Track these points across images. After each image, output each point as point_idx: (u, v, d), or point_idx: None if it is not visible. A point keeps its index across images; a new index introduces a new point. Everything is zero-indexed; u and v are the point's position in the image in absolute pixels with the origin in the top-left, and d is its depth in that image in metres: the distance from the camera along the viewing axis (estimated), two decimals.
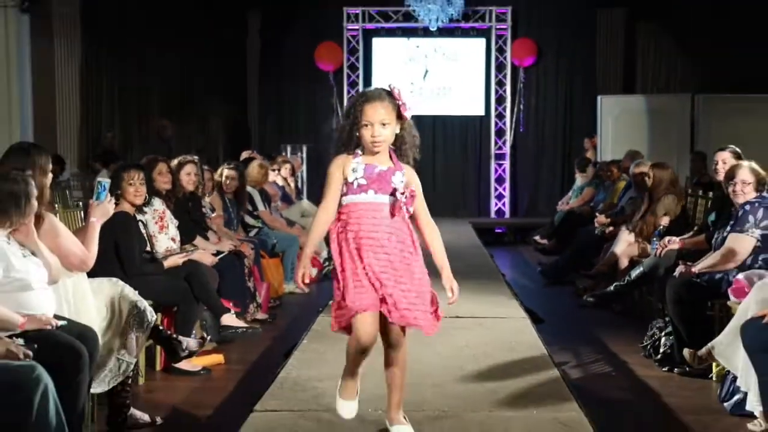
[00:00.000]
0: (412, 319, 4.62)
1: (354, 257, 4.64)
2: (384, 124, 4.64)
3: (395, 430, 4.79)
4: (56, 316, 5.07)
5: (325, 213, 4.79)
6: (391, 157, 4.79)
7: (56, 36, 17.72)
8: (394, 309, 4.56)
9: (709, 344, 6.40)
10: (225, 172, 10.08)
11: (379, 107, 4.63)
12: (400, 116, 4.75)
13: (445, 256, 4.89)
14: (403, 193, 4.61)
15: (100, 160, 14.49)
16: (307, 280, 4.93)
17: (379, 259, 4.62)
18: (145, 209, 7.55)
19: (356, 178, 4.66)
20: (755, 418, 5.62)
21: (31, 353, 4.48)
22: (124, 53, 17.94)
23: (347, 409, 4.86)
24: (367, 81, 17.97)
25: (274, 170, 12.69)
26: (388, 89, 4.76)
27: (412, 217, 4.82)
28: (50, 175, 5.64)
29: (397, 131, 4.76)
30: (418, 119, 15.19)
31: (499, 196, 18.57)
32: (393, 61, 18.60)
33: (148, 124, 17.79)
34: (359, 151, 4.74)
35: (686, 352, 6.92)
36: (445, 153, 18.61)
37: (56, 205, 6.93)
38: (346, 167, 4.70)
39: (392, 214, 4.66)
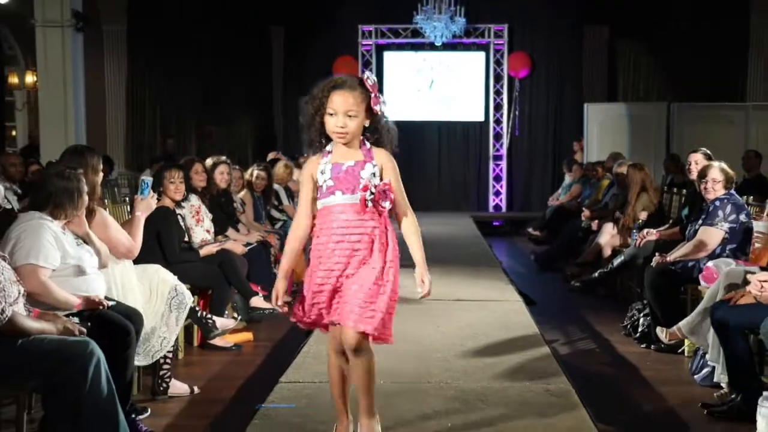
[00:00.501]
0: (351, 322, 4.00)
1: (320, 270, 4.13)
2: (350, 116, 4.01)
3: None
4: (106, 298, 5.13)
5: (296, 228, 4.32)
6: (362, 146, 4.15)
7: (105, 52, 17.93)
8: (341, 313, 4.06)
9: (680, 323, 6.43)
10: (255, 172, 10.11)
11: (348, 96, 4.00)
12: (370, 109, 4.09)
13: (420, 248, 4.21)
14: (368, 189, 4.00)
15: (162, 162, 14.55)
16: (280, 302, 4.28)
17: (334, 267, 4.08)
18: (183, 204, 7.58)
19: (324, 180, 4.11)
20: (722, 388, 5.66)
21: (85, 330, 4.52)
22: (165, 67, 18.12)
23: None
24: (380, 90, 17.82)
25: (297, 169, 12.70)
26: (361, 78, 4.12)
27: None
28: (101, 174, 5.70)
29: (366, 124, 4.12)
30: (423, 124, 15.31)
31: (497, 193, 18.55)
32: (402, 72, 18.49)
33: (187, 129, 17.86)
34: (329, 148, 4.16)
35: (661, 331, 6.97)
36: (448, 154, 18.55)
37: (106, 201, 6.96)
38: (315, 171, 4.16)
39: (362, 211, 4.04)
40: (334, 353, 4.22)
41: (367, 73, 4.17)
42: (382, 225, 4.10)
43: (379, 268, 4.06)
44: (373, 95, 4.05)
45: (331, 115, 4.02)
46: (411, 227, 4.20)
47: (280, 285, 4.30)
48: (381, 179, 4.07)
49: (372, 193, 3.97)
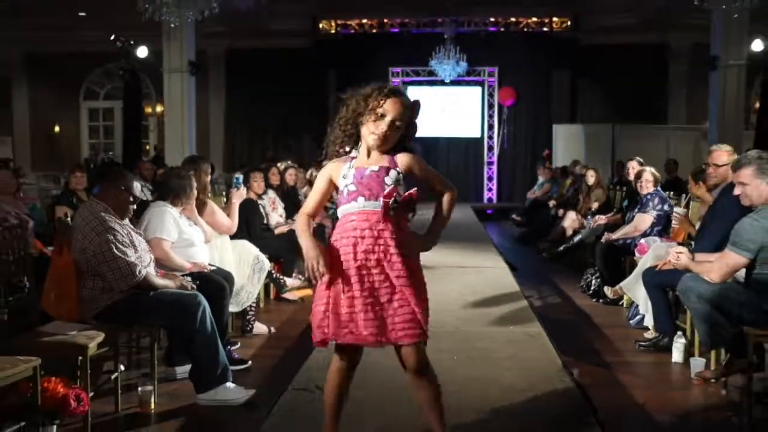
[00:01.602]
0: (402, 337, 2.94)
1: (343, 279, 2.97)
2: (396, 125, 2.99)
3: None
4: (210, 264, 5.18)
5: (301, 218, 3.20)
6: (386, 153, 3.06)
7: (210, 90, 18.04)
8: (385, 333, 2.94)
9: (621, 283, 6.40)
10: (313, 172, 10.13)
11: (402, 105, 2.99)
12: (409, 125, 3.07)
13: (440, 221, 3.16)
14: (392, 197, 2.94)
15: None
16: (323, 269, 2.95)
17: (367, 279, 2.94)
18: (263, 197, 7.63)
19: (346, 185, 3.02)
20: (649, 330, 5.65)
21: (194, 286, 4.55)
22: (251, 100, 18.31)
23: None
24: None
25: None
26: (413, 100, 3.11)
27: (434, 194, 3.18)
28: (210, 176, 5.76)
29: (403, 135, 3.06)
30: (436, 139, 15.17)
31: (489, 189, 18.46)
32: (421, 102, 18.21)
33: (267, 143, 18.02)
34: (354, 153, 3.11)
35: (607, 289, 6.96)
36: (455, 160, 18.43)
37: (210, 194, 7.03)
38: (336, 175, 3.09)
39: (384, 219, 2.94)
40: (339, 371, 3.10)
41: (419, 99, 3.16)
42: (402, 232, 3.00)
43: (407, 277, 2.96)
44: (416, 111, 3.09)
45: (380, 117, 2.98)
46: (448, 199, 3.17)
47: (317, 255, 2.99)
48: (404, 186, 3.04)
49: (396, 201, 2.95)
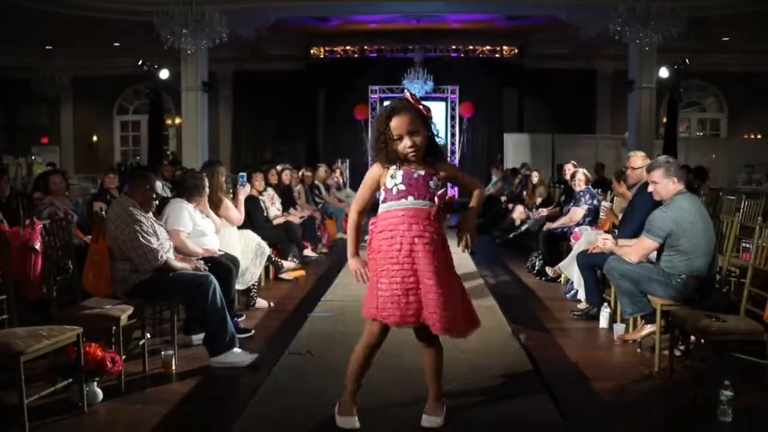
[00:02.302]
0: (438, 324, 2.82)
1: (393, 264, 2.85)
2: (414, 132, 2.83)
3: (423, 420, 3.04)
4: (219, 250, 5.14)
5: (353, 216, 3.06)
6: (425, 160, 2.93)
7: (220, 105, 17.93)
8: (427, 315, 2.84)
9: (559, 264, 6.43)
10: (305, 173, 10.08)
11: (406, 117, 2.82)
12: (426, 120, 2.92)
13: (477, 204, 3.14)
14: (437, 197, 2.90)
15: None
16: (366, 276, 2.94)
17: (415, 267, 2.84)
18: (263, 193, 7.58)
19: (395, 184, 2.88)
20: (581, 301, 5.67)
21: (207, 268, 4.51)
22: (253, 113, 18.21)
23: (347, 423, 3.00)
24: None
25: (333, 172, 12.67)
26: (407, 98, 2.93)
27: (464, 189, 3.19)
28: (224, 177, 5.69)
29: (428, 133, 2.92)
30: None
31: (453, 186, 18.32)
32: None
33: (266, 148, 17.94)
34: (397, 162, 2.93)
35: (548, 269, 6.98)
36: None
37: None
38: (384, 175, 2.92)
39: (430, 218, 2.86)
40: (371, 345, 2.99)
41: (407, 91, 3.01)
42: (441, 230, 2.94)
43: (446, 270, 2.91)
44: (421, 107, 2.92)
45: (399, 138, 2.84)
46: (476, 194, 3.12)
47: (356, 263, 2.98)
48: (444, 188, 2.98)
49: (444, 204, 2.95)
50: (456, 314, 2.87)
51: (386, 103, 17.00)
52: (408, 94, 2.95)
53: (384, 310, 2.85)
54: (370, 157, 2.86)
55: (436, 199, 2.90)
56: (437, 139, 2.98)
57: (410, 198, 2.87)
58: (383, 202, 2.93)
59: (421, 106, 2.91)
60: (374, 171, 2.96)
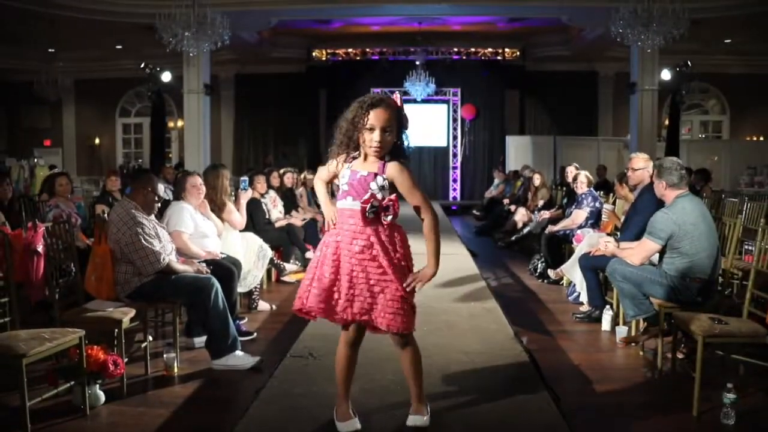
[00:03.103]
0: (383, 326, 2.82)
1: (330, 265, 2.84)
2: (386, 131, 2.77)
3: (408, 420, 2.97)
4: (221, 252, 5.13)
5: (317, 183, 3.11)
6: (382, 159, 2.84)
7: (221, 107, 17.94)
8: (371, 319, 2.84)
9: (561, 267, 6.43)
10: (307, 175, 10.09)
11: (387, 113, 2.77)
12: (400, 126, 2.85)
13: (431, 248, 3.00)
14: (369, 202, 2.77)
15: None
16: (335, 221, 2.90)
17: (349, 266, 2.80)
18: (265, 196, 7.58)
19: (341, 184, 2.88)
20: (583, 304, 5.68)
21: (209, 271, 4.52)
22: (255, 115, 18.23)
23: (348, 427, 2.95)
24: None
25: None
26: (395, 99, 2.91)
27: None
28: (228, 179, 5.68)
29: (396, 140, 2.85)
30: (410, 148, 14.96)
31: (454, 189, 18.42)
32: None
33: (267, 151, 17.96)
34: (356, 153, 2.89)
35: (550, 271, 6.97)
36: (425, 166, 18.32)
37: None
38: (338, 170, 2.91)
39: (364, 220, 2.78)
40: (345, 344, 2.97)
41: (397, 92, 2.98)
42: (385, 232, 2.82)
43: (390, 271, 2.82)
44: (404, 113, 2.88)
45: (370, 129, 2.78)
46: (426, 229, 2.96)
47: (333, 212, 2.94)
48: (389, 192, 2.84)
49: (374, 207, 2.77)
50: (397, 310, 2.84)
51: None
52: (398, 96, 2.93)
53: (314, 302, 2.85)
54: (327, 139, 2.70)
55: (362, 202, 2.81)
56: (405, 147, 2.90)
57: (349, 198, 2.84)
58: (336, 200, 2.94)
59: (404, 112, 2.88)
60: (333, 165, 2.95)
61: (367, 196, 2.79)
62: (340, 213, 2.87)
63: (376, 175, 2.82)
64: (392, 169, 2.82)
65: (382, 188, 2.82)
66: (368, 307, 2.82)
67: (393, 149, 2.86)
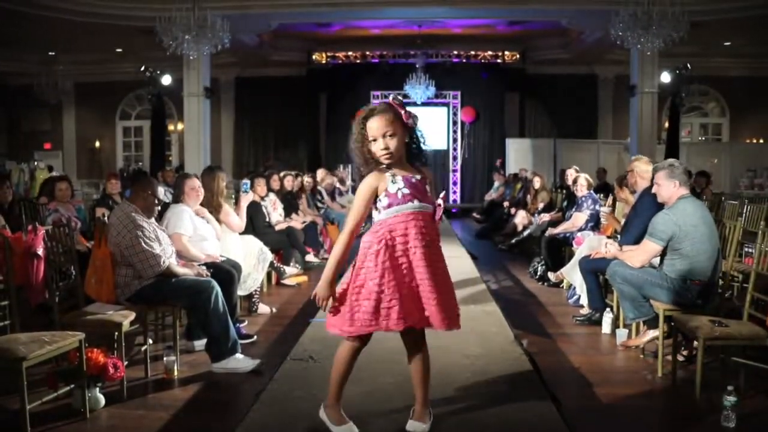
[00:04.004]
0: (443, 323, 2.82)
1: (403, 273, 2.79)
2: (389, 135, 2.78)
3: (408, 425, 2.96)
4: (221, 255, 5.13)
5: (346, 243, 2.85)
6: (413, 165, 2.91)
7: (221, 110, 17.97)
8: (428, 318, 2.83)
9: (562, 269, 6.43)
10: (306, 179, 10.09)
11: (381, 119, 2.78)
12: (405, 125, 2.86)
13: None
14: (438, 203, 2.87)
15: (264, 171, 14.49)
16: (329, 307, 2.88)
17: (425, 268, 2.79)
18: (265, 199, 7.58)
19: (399, 189, 2.79)
20: (583, 306, 5.67)
21: (209, 274, 4.51)
22: (255, 118, 18.25)
23: (347, 430, 2.94)
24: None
25: (335, 177, 12.66)
26: (388, 102, 2.90)
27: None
28: (225, 182, 5.66)
29: (407, 140, 2.88)
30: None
31: (454, 192, 18.39)
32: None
33: (267, 154, 17.97)
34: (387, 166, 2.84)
35: (551, 274, 6.97)
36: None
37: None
38: (381, 183, 2.81)
39: (434, 222, 2.87)
40: (355, 351, 2.91)
41: (392, 95, 2.92)
42: (438, 232, 2.95)
43: (443, 268, 2.91)
44: (403, 112, 2.86)
45: (374, 140, 2.79)
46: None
47: (329, 291, 2.86)
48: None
49: (438, 203, 2.89)
50: (452, 312, 2.88)
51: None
52: (392, 99, 2.90)
53: (388, 315, 2.77)
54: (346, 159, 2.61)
55: (440, 200, 2.88)
56: (422, 146, 2.95)
57: (416, 201, 2.81)
58: (387, 207, 2.82)
59: (402, 111, 2.85)
60: (371, 181, 2.83)
61: (443, 194, 2.89)
62: (403, 217, 2.80)
63: (425, 179, 2.89)
64: (430, 174, 2.95)
65: (431, 191, 2.90)
66: (427, 307, 2.82)
67: (409, 151, 2.89)
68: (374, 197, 2.84)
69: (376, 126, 2.79)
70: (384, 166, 2.84)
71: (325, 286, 2.85)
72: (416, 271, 2.80)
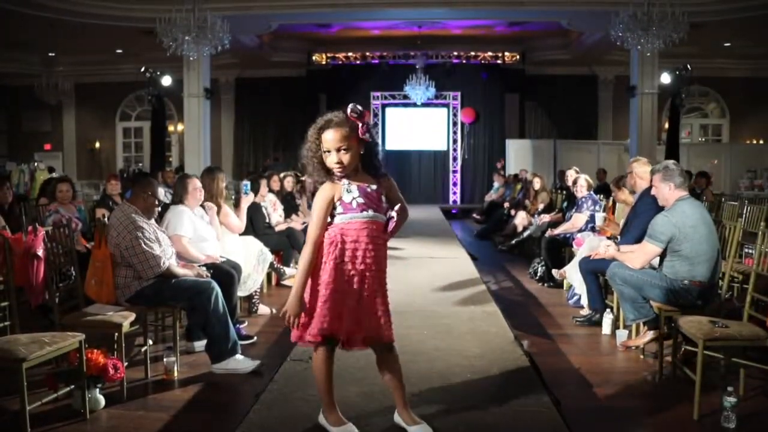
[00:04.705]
0: (385, 336, 2.87)
1: (351, 280, 2.80)
2: (343, 150, 2.76)
3: (413, 430, 2.94)
4: (221, 256, 5.13)
5: (312, 254, 2.82)
6: (370, 174, 2.88)
7: (222, 111, 18.00)
8: (378, 330, 2.84)
9: (562, 269, 6.42)
10: (307, 179, 10.06)
11: (337, 133, 2.75)
12: (359, 139, 2.79)
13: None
14: (391, 215, 2.84)
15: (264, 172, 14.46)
16: (296, 325, 2.86)
17: (372, 279, 2.82)
18: (265, 199, 7.58)
19: (354, 198, 2.80)
20: (583, 307, 5.66)
21: (209, 275, 4.51)
22: (255, 119, 18.33)
23: (346, 431, 2.94)
24: (383, 132, 17.99)
25: None
26: (346, 113, 2.80)
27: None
28: (224, 183, 5.65)
29: (362, 152, 2.82)
30: (410, 152, 15.15)
31: (454, 193, 18.41)
32: (397, 121, 18.30)
33: (267, 155, 17.99)
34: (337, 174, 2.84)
35: (554, 272, 6.95)
36: (425, 169, 18.35)
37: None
38: (336, 192, 2.81)
39: (385, 232, 2.86)
40: (328, 359, 2.91)
41: (351, 105, 2.81)
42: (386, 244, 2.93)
43: (384, 279, 2.91)
44: (360, 126, 2.79)
45: (327, 152, 2.79)
46: (398, 210, 2.89)
47: (299, 307, 2.84)
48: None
49: (392, 214, 2.86)
50: (390, 325, 2.89)
51: (388, 109, 17.14)
52: (350, 108, 2.81)
53: (338, 324, 2.79)
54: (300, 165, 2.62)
55: (393, 213, 2.85)
56: (378, 157, 2.91)
57: (370, 211, 2.83)
58: (340, 214, 2.84)
59: (360, 124, 2.79)
60: (326, 191, 2.84)
61: (397, 208, 2.85)
62: (353, 225, 2.81)
63: (381, 189, 2.87)
64: (387, 183, 2.92)
65: (385, 202, 2.91)
66: (378, 319, 2.84)
67: (364, 161, 2.86)
68: (331, 207, 2.85)
69: (330, 138, 2.78)
70: (333, 176, 2.83)
71: (295, 302, 2.84)
72: (363, 280, 2.81)
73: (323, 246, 2.84)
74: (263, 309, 5.82)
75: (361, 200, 2.82)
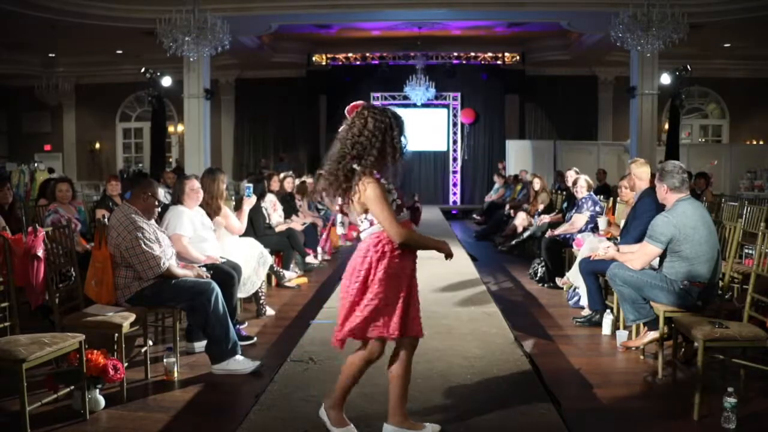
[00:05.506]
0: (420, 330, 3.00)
1: (411, 282, 2.93)
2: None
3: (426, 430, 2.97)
4: (221, 257, 5.13)
5: (407, 231, 2.81)
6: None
7: (222, 112, 17.99)
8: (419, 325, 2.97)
9: (564, 277, 6.44)
10: (307, 180, 10.08)
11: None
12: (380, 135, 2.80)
13: None
14: (416, 205, 2.96)
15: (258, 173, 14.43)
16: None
17: (414, 279, 2.98)
18: (265, 200, 7.59)
19: (394, 199, 2.78)
20: (583, 308, 5.67)
21: (209, 275, 4.52)
22: (255, 120, 18.28)
23: None
24: None
25: None
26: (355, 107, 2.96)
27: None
28: (225, 184, 5.65)
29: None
30: (411, 153, 15.22)
31: (454, 193, 18.41)
32: None
33: (267, 156, 17.98)
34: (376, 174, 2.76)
35: (558, 280, 6.94)
36: (425, 170, 18.33)
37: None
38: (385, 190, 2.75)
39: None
40: (369, 362, 2.93)
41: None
42: None
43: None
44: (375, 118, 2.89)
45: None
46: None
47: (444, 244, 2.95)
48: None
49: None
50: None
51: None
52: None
53: (414, 324, 2.94)
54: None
55: (417, 204, 3.03)
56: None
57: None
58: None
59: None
60: (380, 187, 2.75)
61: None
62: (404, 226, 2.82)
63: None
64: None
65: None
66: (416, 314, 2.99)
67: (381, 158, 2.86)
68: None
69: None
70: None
71: (440, 244, 2.95)
72: (410, 281, 2.93)
73: (368, 250, 2.83)
74: (270, 311, 5.82)
75: (399, 202, 2.85)
